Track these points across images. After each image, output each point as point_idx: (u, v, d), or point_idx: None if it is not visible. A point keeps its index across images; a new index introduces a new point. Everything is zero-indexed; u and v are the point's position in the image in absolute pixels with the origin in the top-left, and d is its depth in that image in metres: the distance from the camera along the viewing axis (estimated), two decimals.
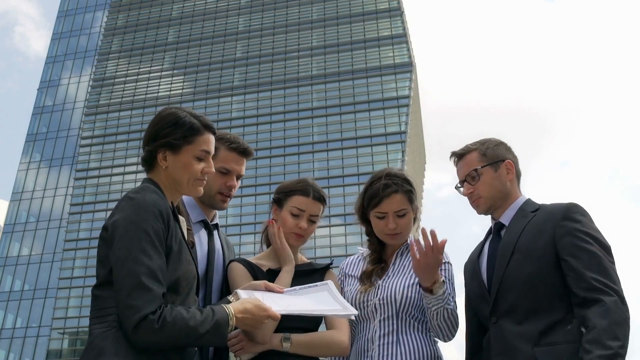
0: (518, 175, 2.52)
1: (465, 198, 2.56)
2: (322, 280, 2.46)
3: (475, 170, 2.45)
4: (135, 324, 1.78)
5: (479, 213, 2.50)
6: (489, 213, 2.49)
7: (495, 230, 2.46)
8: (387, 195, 2.50)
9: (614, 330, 2.01)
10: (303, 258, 2.61)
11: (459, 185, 2.54)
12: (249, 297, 2.13)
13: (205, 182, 2.14)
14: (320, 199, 2.53)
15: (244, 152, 2.56)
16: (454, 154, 2.57)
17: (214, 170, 2.14)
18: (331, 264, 2.62)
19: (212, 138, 2.14)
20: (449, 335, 2.43)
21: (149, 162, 2.11)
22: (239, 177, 2.57)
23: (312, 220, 2.51)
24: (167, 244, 1.93)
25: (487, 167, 2.45)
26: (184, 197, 2.57)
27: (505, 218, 2.43)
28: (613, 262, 2.20)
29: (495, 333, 2.26)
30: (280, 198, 2.54)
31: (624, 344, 2.00)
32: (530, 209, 2.40)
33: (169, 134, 2.08)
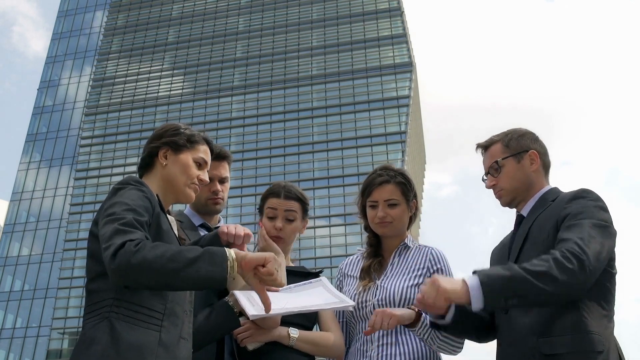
0: (546, 165, 2.44)
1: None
2: None
3: (497, 162, 2.41)
4: (113, 252, 1.71)
5: (503, 205, 2.44)
6: (513, 206, 2.43)
7: (517, 223, 2.42)
8: (378, 184, 2.59)
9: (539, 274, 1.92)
10: (290, 263, 2.64)
11: (484, 177, 2.50)
12: (246, 296, 2.16)
13: (199, 189, 2.20)
14: (293, 197, 2.58)
15: (218, 156, 2.71)
16: (479, 146, 2.53)
17: (208, 180, 2.22)
18: (321, 271, 2.67)
19: (209, 152, 2.25)
20: (454, 351, 2.44)
21: (147, 161, 2.17)
22: (222, 180, 2.74)
23: (288, 219, 2.56)
24: (151, 221, 1.94)
25: (509, 159, 2.40)
26: (186, 210, 2.74)
27: (526, 210, 2.39)
28: (601, 238, 2.06)
29: (505, 324, 2.25)
30: (260, 206, 2.64)
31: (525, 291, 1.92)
32: (551, 197, 2.33)
33: (173, 135, 2.18)
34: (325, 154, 47.55)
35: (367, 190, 2.62)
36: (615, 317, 2.17)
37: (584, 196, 2.21)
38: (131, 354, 1.76)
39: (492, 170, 2.42)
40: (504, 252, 2.41)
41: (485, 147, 2.49)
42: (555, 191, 2.36)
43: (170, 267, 1.68)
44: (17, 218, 51.19)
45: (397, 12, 52.75)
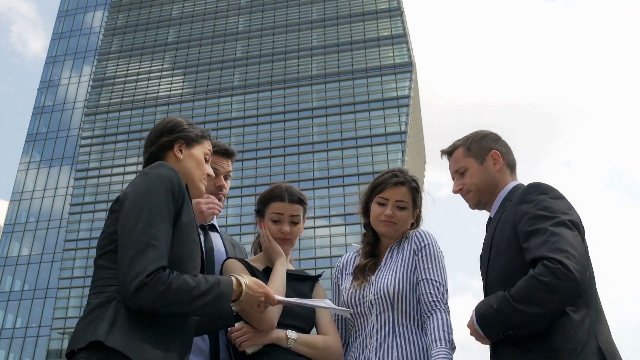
0: (509, 164, 2.46)
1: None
2: (311, 288, 2.57)
3: (461, 166, 2.47)
4: (139, 284, 1.75)
5: (471, 208, 2.49)
6: (481, 207, 2.48)
7: (486, 226, 2.46)
8: (393, 184, 2.59)
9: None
10: (289, 265, 2.64)
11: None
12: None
13: (206, 184, 2.22)
14: (297, 201, 2.59)
15: (227, 153, 2.74)
16: (444, 152, 2.58)
17: (214, 175, 2.26)
18: (320, 275, 2.68)
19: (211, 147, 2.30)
20: None
21: (157, 155, 2.12)
22: (227, 177, 2.74)
23: (293, 222, 2.58)
24: (177, 217, 1.93)
25: (472, 161, 2.44)
26: None
27: (493, 211, 2.42)
28: (563, 233, 2.02)
29: None
30: (260, 209, 2.63)
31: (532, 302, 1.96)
32: (511, 197, 2.32)
33: (185, 130, 2.18)
34: (325, 154, 47.57)
35: (379, 188, 2.61)
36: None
37: (532, 192, 2.17)
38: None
39: (458, 175, 2.47)
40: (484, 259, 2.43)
41: (449, 152, 2.54)
42: (516, 189, 2.33)
43: (183, 310, 1.86)
44: (17, 218, 51.21)
45: (397, 12, 52.77)
